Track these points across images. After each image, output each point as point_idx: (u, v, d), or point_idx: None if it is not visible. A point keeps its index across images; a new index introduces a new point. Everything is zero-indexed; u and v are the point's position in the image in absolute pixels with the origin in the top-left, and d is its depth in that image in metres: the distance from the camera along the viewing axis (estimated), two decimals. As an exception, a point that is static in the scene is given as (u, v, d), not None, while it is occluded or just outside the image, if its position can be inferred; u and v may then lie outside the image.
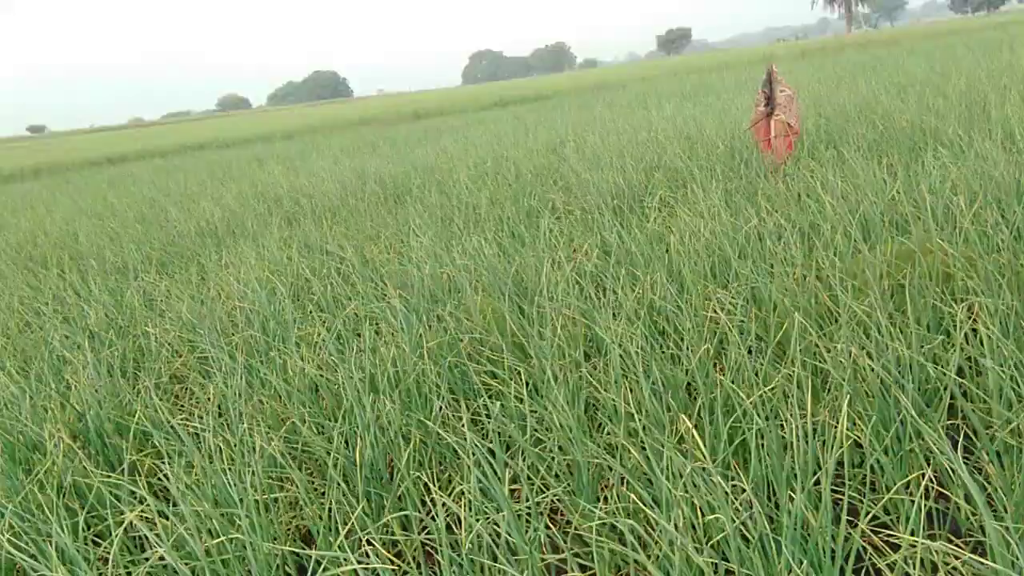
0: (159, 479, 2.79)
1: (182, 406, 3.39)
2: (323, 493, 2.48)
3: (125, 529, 2.40)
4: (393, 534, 2.29)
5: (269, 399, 2.97)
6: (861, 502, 2.08)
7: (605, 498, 2.28)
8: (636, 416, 2.24)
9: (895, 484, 1.99)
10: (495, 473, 2.10)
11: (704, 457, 1.97)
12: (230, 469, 2.32)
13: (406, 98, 50.60)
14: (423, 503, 2.46)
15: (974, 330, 2.78)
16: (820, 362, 2.56)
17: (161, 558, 2.16)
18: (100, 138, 50.87)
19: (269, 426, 2.78)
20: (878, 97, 8.58)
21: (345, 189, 8.30)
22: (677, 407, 2.40)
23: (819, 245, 3.57)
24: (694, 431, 1.99)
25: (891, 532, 1.96)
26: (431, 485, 2.27)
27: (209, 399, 3.18)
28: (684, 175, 5.89)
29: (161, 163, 20.28)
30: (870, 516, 1.80)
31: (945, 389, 2.27)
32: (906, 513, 1.92)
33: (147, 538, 2.42)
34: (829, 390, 2.45)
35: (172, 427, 2.97)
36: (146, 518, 2.38)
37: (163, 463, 2.73)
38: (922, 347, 2.48)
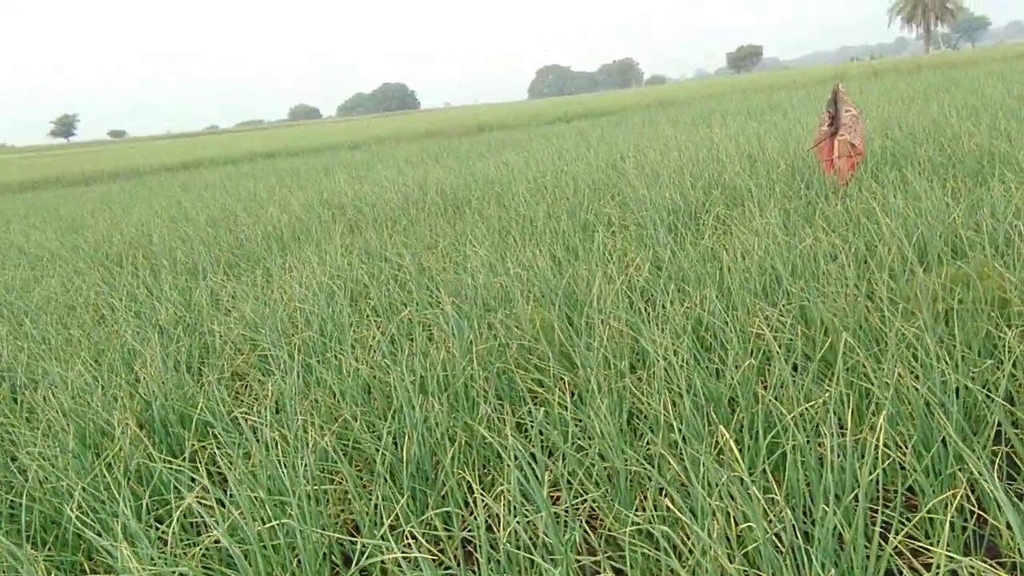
0: (218, 468, 2.93)
1: (242, 400, 3.54)
2: (371, 489, 2.57)
3: (184, 513, 2.54)
4: (435, 530, 2.37)
5: (324, 397, 3.10)
6: (897, 521, 2.08)
7: (643, 507, 2.32)
8: (676, 427, 2.28)
9: (932, 505, 1.98)
10: (536, 476, 2.16)
11: (741, 469, 1.99)
12: (284, 461, 2.44)
13: (471, 111, 51.23)
14: (465, 502, 2.54)
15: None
16: (865, 382, 2.55)
17: (216, 541, 2.29)
18: (176, 144, 52.88)
19: (323, 422, 2.90)
20: (948, 119, 8.39)
21: (407, 199, 8.49)
22: (718, 420, 2.43)
23: (873, 266, 3.54)
24: (732, 444, 2.02)
25: (926, 548, 1.95)
26: (474, 485, 2.35)
27: (268, 395, 3.32)
28: (742, 193, 5.88)
29: (233, 169, 20.97)
30: (904, 533, 1.80)
31: (992, 415, 2.25)
32: (942, 534, 1.91)
33: (205, 522, 2.55)
34: (873, 411, 2.44)
35: (232, 419, 3.12)
36: (204, 503, 2.51)
37: (222, 452, 2.88)
38: (971, 371, 2.45)
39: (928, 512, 1.83)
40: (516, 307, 3.63)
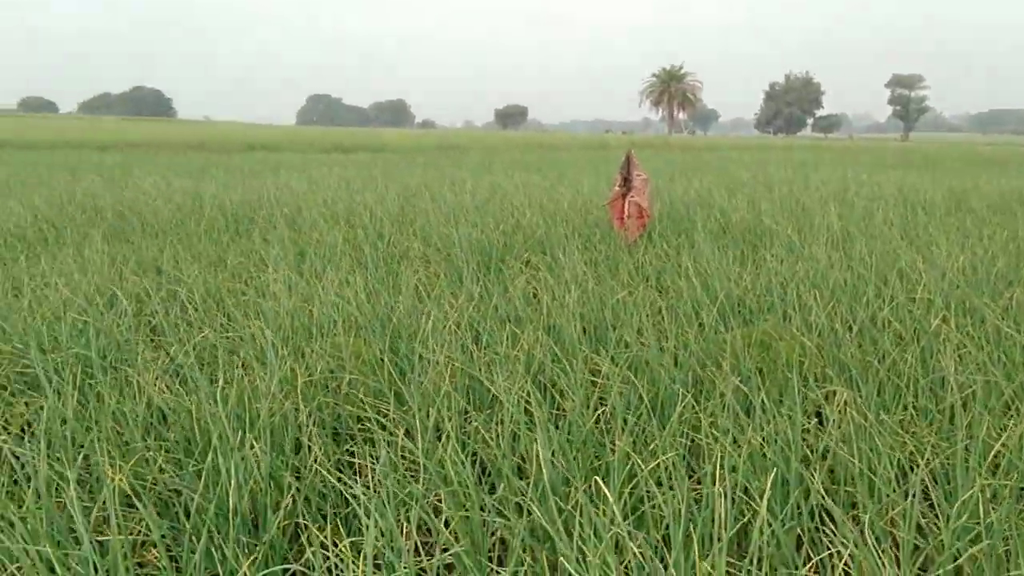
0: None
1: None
2: (180, 541, 2.17)
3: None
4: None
5: (108, 426, 2.61)
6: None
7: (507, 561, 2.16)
8: (534, 474, 2.16)
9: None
10: (391, 526, 1.93)
11: (616, 515, 1.92)
12: (65, 504, 1.98)
13: (238, 128, 48.66)
14: (299, 556, 2.22)
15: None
16: (698, 436, 2.62)
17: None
18: None
19: (112, 459, 2.43)
20: (712, 194, 9.28)
21: (180, 210, 7.73)
22: (574, 468, 2.35)
23: (684, 322, 3.72)
24: (605, 488, 1.94)
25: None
26: (303, 534, 2.05)
27: (25, 421, 2.75)
28: (543, 241, 6.01)
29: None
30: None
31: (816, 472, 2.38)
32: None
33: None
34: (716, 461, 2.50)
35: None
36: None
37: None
38: (803, 429, 2.59)
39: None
40: (335, 337, 3.34)
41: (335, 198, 8.61)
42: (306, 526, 2.28)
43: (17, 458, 2.44)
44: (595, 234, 6.23)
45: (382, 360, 3.09)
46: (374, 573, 1.77)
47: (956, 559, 1.90)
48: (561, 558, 1.90)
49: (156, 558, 2.08)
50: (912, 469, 2.48)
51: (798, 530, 2.20)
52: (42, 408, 2.72)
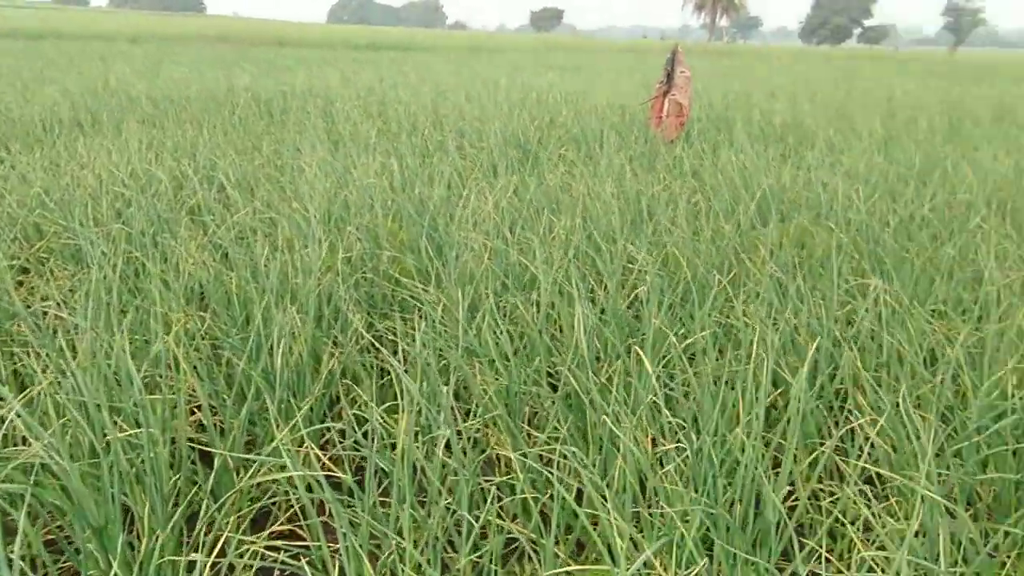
0: (17, 368, 2.44)
1: (35, 297, 2.99)
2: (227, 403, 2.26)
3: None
4: (328, 447, 2.13)
5: (154, 296, 2.68)
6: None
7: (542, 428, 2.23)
8: (579, 346, 2.20)
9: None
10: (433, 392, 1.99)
11: (655, 388, 1.96)
12: (112, 366, 2.06)
13: (268, 24, 47.81)
14: (348, 420, 2.30)
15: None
16: (731, 319, 2.63)
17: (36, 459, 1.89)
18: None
19: (159, 328, 2.50)
20: (751, 97, 9.03)
21: (213, 99, 7.70)
22: (609, 345, 2.39)
23: (721, 217, 3.68)
24: (642, 354, 1.98)
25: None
26: (344, 399, 2.13)
27: (72, 291, 2.83)
28: (579, 138, 5.92)
29: (-18, 44, 18.01)
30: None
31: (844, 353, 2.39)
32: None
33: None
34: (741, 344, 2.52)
35: (35, 313, 2.62)
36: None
37: (25, 352, 2.40)
38: (834, 313, 2.60)
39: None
40: (373, 219, 3.37)
41: (368, 92, 8.51)
42: (347, 391, 2.36)
43: (67, 328, 2.52)
44: (632, 132, 6.12)
45: (419, 242, 3.11)
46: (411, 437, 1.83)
47: (980, 433, 1.92)
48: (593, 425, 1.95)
49: (202, 419, 2.17)
50: (942, 356, 2.48)
51: (825, 410, 2.24)
52: (87, 279, 2.80)
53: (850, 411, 2.16)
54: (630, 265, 3.00)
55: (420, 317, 2.68)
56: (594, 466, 1.81)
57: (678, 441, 1.92)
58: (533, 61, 19.51)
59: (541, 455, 2.05)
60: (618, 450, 1.82)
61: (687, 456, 1.78)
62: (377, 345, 2.47)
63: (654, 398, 1.94)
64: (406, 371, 2.26)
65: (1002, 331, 2.37)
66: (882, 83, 14.02)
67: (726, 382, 2.27)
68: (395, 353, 2.56)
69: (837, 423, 2.23)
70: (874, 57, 38.30)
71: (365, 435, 2.22)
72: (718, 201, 3.91)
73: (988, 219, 3.59)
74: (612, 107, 7.43)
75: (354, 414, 2.03)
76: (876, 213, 3.70)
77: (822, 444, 2.10)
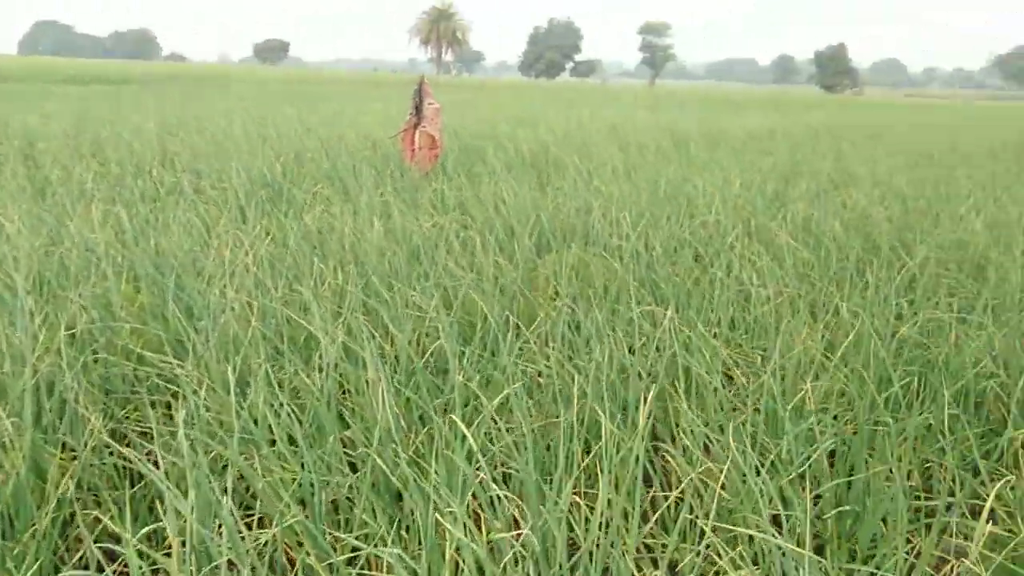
0: None
1: None
2: None
3: None
4: None
5: None
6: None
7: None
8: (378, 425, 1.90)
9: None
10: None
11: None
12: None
13: (-59, 56, 41.43)
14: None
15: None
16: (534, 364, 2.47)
17: None
18: None
19: None
20: (496, 127, 9.21)
21: None
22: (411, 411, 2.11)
23: (496, 250, 3.55)
24: (459, 424, 1.73)
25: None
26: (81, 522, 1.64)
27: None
28: (331, 174, 5.57)
29: None
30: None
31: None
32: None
33: None
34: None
35: None
36: None
37: None
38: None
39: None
40: (101, 281, 2.79)
41: (77, 131, 7.47)
42: (86, 509, 1.85)
43: None
44: (387, 167, 5.89)
45: (164, 307, 2.62)
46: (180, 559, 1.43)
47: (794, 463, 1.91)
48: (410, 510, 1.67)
49: None
50: (743, 380, 2.50)
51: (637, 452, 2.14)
52: None
53: (672, 456, 2.06)
54: (417, 313, 2.74)
55: (176, 399, 2.22)
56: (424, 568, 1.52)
57: (512, 521, 1.69)
58: (264, 93, 18.64)
59: (352, 559, 1.71)
60: (448, 544, 1.54)
61: (523, 537, 1.55)
62: (118, 447, 1.97)
63: (478, 471, 1.70)
64: (166, 473, 1.81)
65: (789, 348, 2.44)
66: (599, 113, 15.08)
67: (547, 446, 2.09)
68: (148, 454, 2.08)
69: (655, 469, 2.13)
70: (585, 89, 41.57)
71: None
72: (492, 236, 3.79)
73: (739, 238, 3.80)
74: (361, 140, 7.15)
75: (99, 547, 1.56)
76: (643, 238, 3.78)
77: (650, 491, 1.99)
